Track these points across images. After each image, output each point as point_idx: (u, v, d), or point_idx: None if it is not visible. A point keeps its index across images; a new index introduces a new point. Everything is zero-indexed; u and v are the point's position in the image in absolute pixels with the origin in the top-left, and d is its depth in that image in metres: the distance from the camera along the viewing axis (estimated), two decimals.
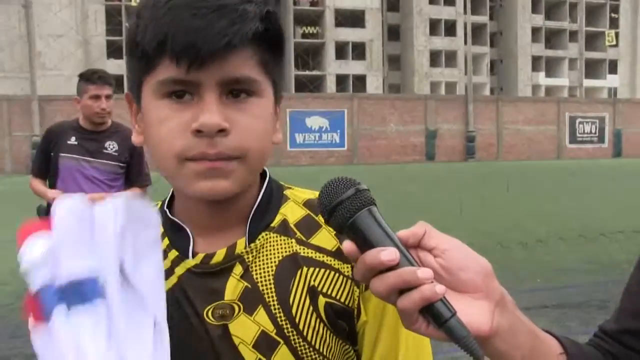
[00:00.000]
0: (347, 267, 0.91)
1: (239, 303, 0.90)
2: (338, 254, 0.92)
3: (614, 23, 64.19)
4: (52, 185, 3.98)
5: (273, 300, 0.90)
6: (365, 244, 0.70)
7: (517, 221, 11.51)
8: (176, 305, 0.90)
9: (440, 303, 0.67)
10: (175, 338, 0.82)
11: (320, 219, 0.93)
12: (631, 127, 44.50)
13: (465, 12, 48.18)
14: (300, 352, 0.90)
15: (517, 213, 12.71)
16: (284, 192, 0.99)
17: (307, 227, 0.95)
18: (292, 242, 0.93)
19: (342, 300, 0.91)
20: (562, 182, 20.62)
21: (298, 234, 0.94)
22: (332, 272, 0.92)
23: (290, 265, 0.92)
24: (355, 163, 37.38)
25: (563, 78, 63.89)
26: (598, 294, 6.31)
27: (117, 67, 51.59)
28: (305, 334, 0.90)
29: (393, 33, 60.66)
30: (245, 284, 0.90)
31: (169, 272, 0.91)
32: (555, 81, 63.61)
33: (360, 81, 56.55)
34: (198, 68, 0.80)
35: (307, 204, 0.97)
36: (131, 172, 4.05)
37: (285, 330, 0.90)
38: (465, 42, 46.52)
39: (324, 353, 0.91)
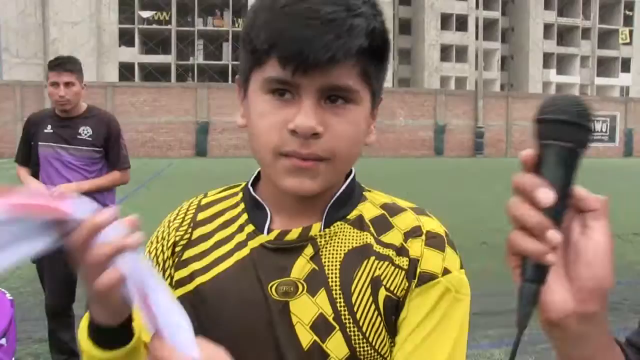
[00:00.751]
0: (405, 260, 0.97)
1: (303, 282, 0.96)
2: (400, 249, 0.98)
3: (628, 21, 63.63)
4: (36, 174, 4.03)
5: (336, 286, 0.96)
6: (541, 169, 0.68)
7: None
8: (243, 275, 0.98)
9: (540, 267, 0.66)
10: (236, 306, 0.95)
11: (395, 220, 1.01)
12: None
13: (477, 7, 47.97)
14: (353, 341, 0.94)
15: None
16: (364, 193, 1.06)
17: (381, 225, 1.01)
18: (365, 235, 1.00)
19: (397, 293, 0.96)
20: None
21: (372, 229, 1.00)
22: (394, 267, 0.97)
23: (358, 256, 0.98)
24: (364, 156, 37.07)
25: (574, 76, 63.51)
26: (612, 296, 6.05)
27: (130, 54, 51.83)
28: (360, 323, 0.95)
29: (404, 27, 60.39)
30: (313, 265, 0.97)
31: (242, 244, 1.00)
32: (566, 79, 63.22)
33: None
34: (302, 74, 0.87)
35: (384, 206, 1.04)
36: (110, 156, 4.07)
37: (342, 317, 0.94)
38: (477, 38, 46.32)
39: (375, 345, 0.95)
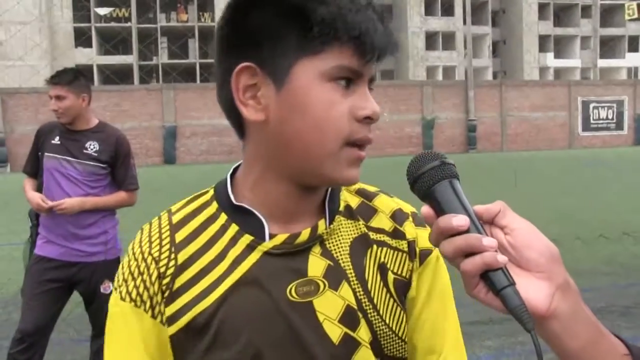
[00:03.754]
0: (404, 243, 1.12)
1: (324, 280, 1.04)
2: (394, 233, 1.13)
3: None
4: (40, 185, 4.16)
5: (352, 277, 1.06)
6: (442, 211, 0.86)
7: (526, 218, 11.39)
8: (251, 289, 1.02)
9: (501, 272, 0.81)
10: (251, 323, 1.00)
11: (374, 204, 1.15)
12: None
13: None
14: (375, 326, 1.06)
15: (526, 209, 12.47)
16: None
17: (365, 212, 1.14)
18: (359, 224, 1.12)
19: (403, 274, 1.11)
20: (575, 174, 20.61)
21: (360, 217, 1.13)
22: (392, 250, 1.12)
23: (361, 245, 1.10)
24: None
25: (575, 59, 63.97)
26: (620, 299, 6.22)
27: (87, 56, 51.43)
28: (378, 308, 1.07)
29: (385, 13, 60.53)
30: (328, 261, 1.06)
31: (241, 257, 1.04)
32: (565, 62, 63.75)
33: None
34: (371, 64, 1.00)
35: (359, 192, 1.17)
36: (117, 175, 4.20)
37: (364, 304, 1.06)
38: (464, 22, 46.52)
39: (392, 327, 1.08)
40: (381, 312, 1.07)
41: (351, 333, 1.04)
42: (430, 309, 1.12)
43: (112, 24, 54.94)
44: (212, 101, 32.80)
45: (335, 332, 1.03)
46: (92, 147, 4.09)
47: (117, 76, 48.69)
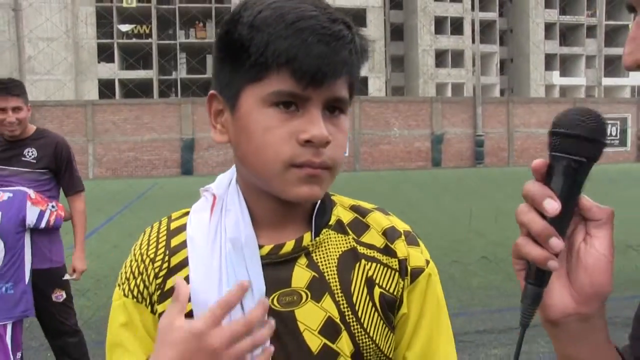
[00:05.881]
0: (394, 261, 1.12)
1: (307, 291, 1.05)
2: (386, 250, 1.13)
3: None
4: None
5: (337, 289, 1.07)
6: (549, 180, 0.77)
7: None
8: None
9: (542, 271, 0.78)
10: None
11: (367, 220, 1.16)
12: None
13: (472, 9, 48.20)
14: (357, 339, 1.06)
15: None
16: (332, 198, 1.18)
17: (357, 227, 1.14)
18: (349, 239, 1.12)
19: (391, 291, 1.11)
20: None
21: (351, 232, 1.13)
22: (383, 266, 1.11)
23: (349, 259, 1.10)
24: (358, 170, 37.28)
25: (580, 77, 63.80)
26: (625, 311, 6.12)
27: (109, 71, 51.82)
28: (362, 321, 1.07)
29: (396, 32, 60.67)
30: (313, 273, 1.07)
31: None
32: (571, 80, 63.55)
33: (362, 83, 56.02)
34: (315, 87, 0.96)
35: (353, 208, 1.18)
36: (62, 181, 4.20)
37: (347, 317, 1.06)
38: (473, 41, 46.53)
39: (376, 340, 1.08)
40: (365, 325, 1.07)
41: (330, 344, 1.05)
42: (423, 326, 1.12)
43: (134, 40, 55.27)
44: None
45: (314, 342, 1.04)
46: (30, 154, 4.05)
47: (138, 90, 48.98)
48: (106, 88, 50.35)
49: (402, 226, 1.17)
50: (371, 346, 1.07)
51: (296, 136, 0.96)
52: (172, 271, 1.08)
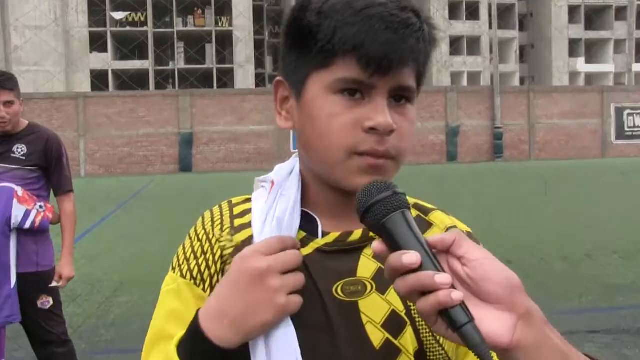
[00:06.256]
0: None
1: (372, 281, 1.08)
2: None
3: None
4: None
5: None
6: (394, 245, 0.87)
7: (557, 231, 11.35)
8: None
9: (459, 308, 0.81)
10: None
11: (430, 218, 1.19)
12: None
13: None
14: (422, 336, 1.07)
15: (557, 221, 12.52)
16: None
17: (420, 225, 1.07)
18: None
19: None
20: (609, 184, 20.41)
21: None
22: None
23: None
24: None
25: (608, 64, 63.47)
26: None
27: (102, 61, 51.86)
28: None
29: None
30: (379, 264, 1.08)
31: None
32: (597, 67, 63.26)
33: None
34: (381, 75, 1.00)
35: (415, 206, 1.20)
36: (51, 179, 4.21)
37: (413, 312, 1.07)
38: (490, 26, 46.40)
39: (439, 339, 1.08)
40: None
41: (393, 340, 1.06)
42: None
43: (128, 28, 55.45)
44: (230, 107, 32.42)
45: (377, 336, 1.05)
46: (19, 150, 4.07)
47: (133, 81, 49.07)
48: (99, 80, 50.48)
49: (462, 226, 1.20)
50: (435, 346, 1.08)
51: (360, 124, 1.01)
52: (237, 251, 1.10)
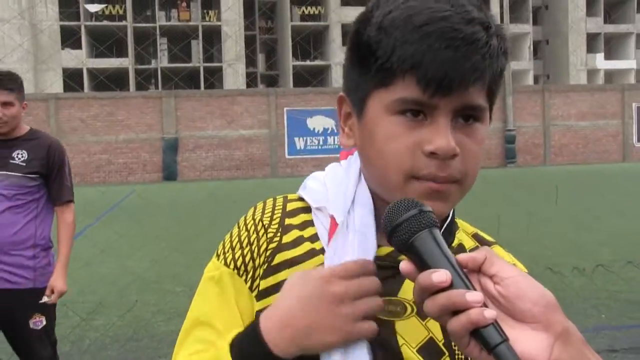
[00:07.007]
0: None
1: (413, 304, 1.10)
2: None
3: None
4: None
5: None
6: (423, 264, 0.91)
7: (572, 241, 11.41)
8: None
9: (492, 328, 0.83)
10: None
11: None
12: None
13: None
14: None
15: (572, 230, 12.58)
16: (456, 220, 1.24)
17: None
18: None
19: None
20: (630, 190, 20.43)
21: None
22: None
23: None
24: None
25: (628, 60, 63.57)
26: None
27: (76, 59, 51.63)
28: None
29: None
30: None
31: None
32: (617, 64, 63.39)
33: None
34: (442, 95, 1.01)
35: (475, 237, 1.26)
36: (51, 188, 4.26)
37: (453, 344, 1.08)
38: (502, 20, 46.48)
39: None
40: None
41: None
42: None
43: (105, 22, 55.23)
44: (219, 110, 32.23)
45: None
46: (20, 156, 4.12)
47: (111, 81, 48.98)
48: (72, 79, 50.18)
49: (521, 265, 1.22)
50: None
51: (421, 147, 1.03)
52: (282, 248, 1.17)
